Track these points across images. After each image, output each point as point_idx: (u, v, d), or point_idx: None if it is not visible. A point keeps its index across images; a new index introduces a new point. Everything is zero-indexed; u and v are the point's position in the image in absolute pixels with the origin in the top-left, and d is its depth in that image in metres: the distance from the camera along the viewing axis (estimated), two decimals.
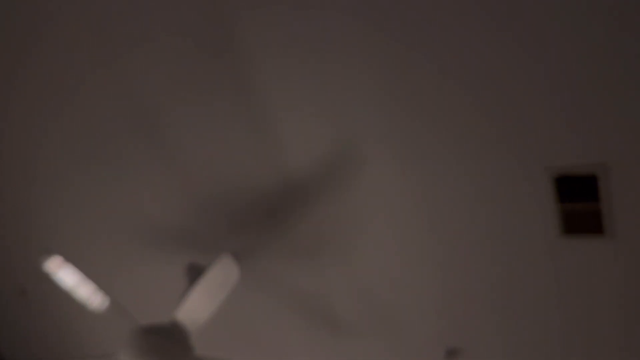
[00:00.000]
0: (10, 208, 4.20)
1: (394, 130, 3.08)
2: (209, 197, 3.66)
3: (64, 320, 4.84)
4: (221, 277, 3.33)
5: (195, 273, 4.03)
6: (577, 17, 2.53)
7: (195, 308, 3.35)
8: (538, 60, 2.67)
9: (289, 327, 4.25)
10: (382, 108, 3.02)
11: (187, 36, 3.05)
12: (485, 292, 3.59)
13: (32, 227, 4.25)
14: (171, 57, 3.14)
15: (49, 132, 3.66)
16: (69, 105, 3.49)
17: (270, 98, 3.15)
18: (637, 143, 2.78)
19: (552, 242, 3.23)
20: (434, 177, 3.18)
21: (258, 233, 3.75)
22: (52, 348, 5.11)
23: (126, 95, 3.34)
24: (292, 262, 3.84)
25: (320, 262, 3.77)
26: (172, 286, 4.26)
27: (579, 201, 2.98)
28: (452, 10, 2.66)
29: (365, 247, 3.61)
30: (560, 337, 3.66)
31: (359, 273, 3.75)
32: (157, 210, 3.83)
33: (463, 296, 3.66)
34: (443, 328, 3.88)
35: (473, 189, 3.15)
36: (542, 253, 3.29)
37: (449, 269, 3.55)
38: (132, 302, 4.48)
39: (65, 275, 3.45)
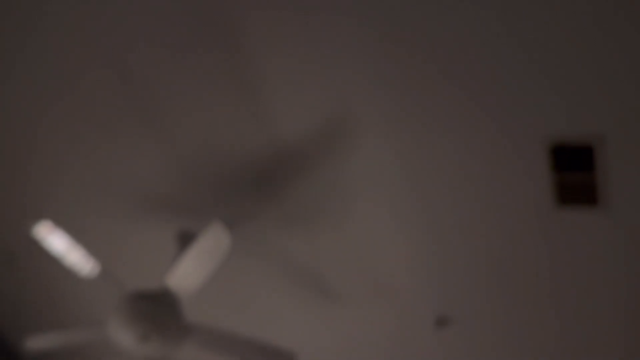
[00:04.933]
0: (0, 173, 4.17)
1: (388, 99, 3.05)
2: (201, 164, 3.65)
3: (54, 286, 4.84)
4: (212, 243, 3.32)
5: (186, 240, 4.02)
6: None
7: (186, 274, 3.35)
8: (533, 31, 2.64)
9: (281, 294, 4.27)
10: (376, 76, 2.99)
11: (176, 4, 3.01)
12: (478, 261, 3.61)
13: (22, 192, 4.23)
14: (162, 25, 3.09)
15: (40, 100, 3.62)
16: (61, 74, 3.45)
17: (262, 65, 3.11)
18: (632, 114, 2.77)
19: (547, 212, 3.23)
20: (429, 146, 3.16)
21: (250, 200, 3.74)
22: (42, 314, 5.12)
23: (118, 64, 3.30)
24: (284, 229, 3.83)
25: (313, 229, 3.77)
26: (163, 253, 4.26)
27: (575, 171, 2.97)
28: None
29: (357, 214, 3.60)
30: (552, 306, 3.69)
31: (351, 240, 3.76)
32: (149, 176, 3.81)
33: (456, 265, 3.67)
34: (435, 295, 3.90)
35: (468, 158, 3.14)
36: (536, 223, 3.30)
37: (441, 238, 3.55)
38: (123, 269, 4.48)
39: (55, 241, 3.43)
